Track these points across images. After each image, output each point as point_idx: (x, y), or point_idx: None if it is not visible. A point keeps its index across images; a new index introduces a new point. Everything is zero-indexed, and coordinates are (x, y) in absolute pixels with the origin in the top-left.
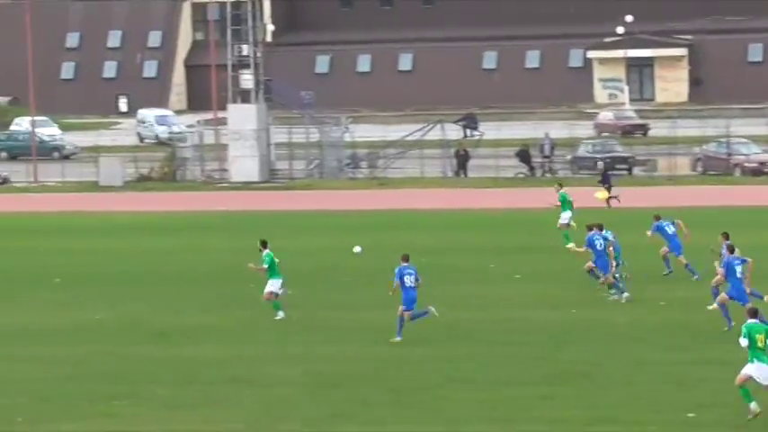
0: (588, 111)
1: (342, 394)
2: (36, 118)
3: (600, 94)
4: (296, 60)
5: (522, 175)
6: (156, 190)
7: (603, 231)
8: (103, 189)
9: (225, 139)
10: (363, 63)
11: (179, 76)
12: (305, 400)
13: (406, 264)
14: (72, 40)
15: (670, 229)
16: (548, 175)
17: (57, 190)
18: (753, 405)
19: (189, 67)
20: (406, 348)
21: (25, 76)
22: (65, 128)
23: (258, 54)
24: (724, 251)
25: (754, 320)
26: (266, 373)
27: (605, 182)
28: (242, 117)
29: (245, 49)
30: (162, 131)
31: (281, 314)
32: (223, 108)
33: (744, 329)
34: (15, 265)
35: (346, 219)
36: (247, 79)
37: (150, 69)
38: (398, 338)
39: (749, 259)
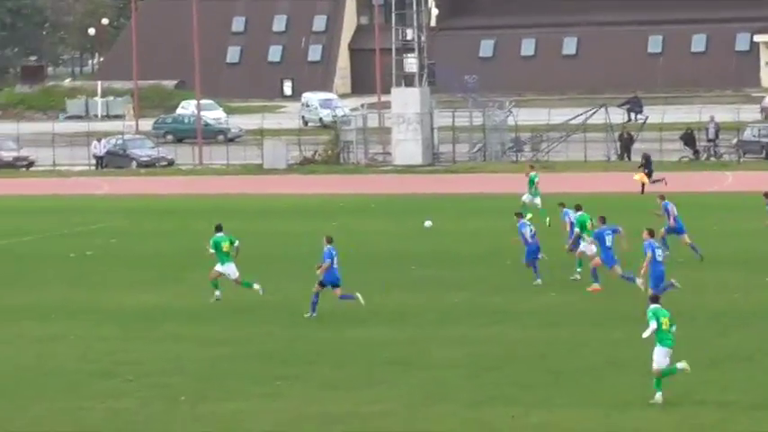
0: (754, 94)
1: (502, 377)
2: (202, 101)
3: (766, 78)
4: (460, 44)
5: (686, 159)
6: (319, 173)
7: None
8: (267, 172)
9: (388, 122)
10: (527, 47)
11: (343, 59)
12: (465, 382)
13: (330, 245)
14: (238, 24)
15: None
16: (712, 159)
17: (221, 173)
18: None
19: (353, 50)
20: (566, 331)
21: (191, 60)
22: (230, 111)
23: (422, 38)
24: None
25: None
26: (427, 355)
27: (647, 167)
28: (406, 100)
29: (410, 33)
30: (326, 115)
31: (217, 293)
32: (387, 92)
33: (650, 313)
34: (181, 246)
35: (509, 202)
36: (411, 63)
37: (315, 53)
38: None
39: None
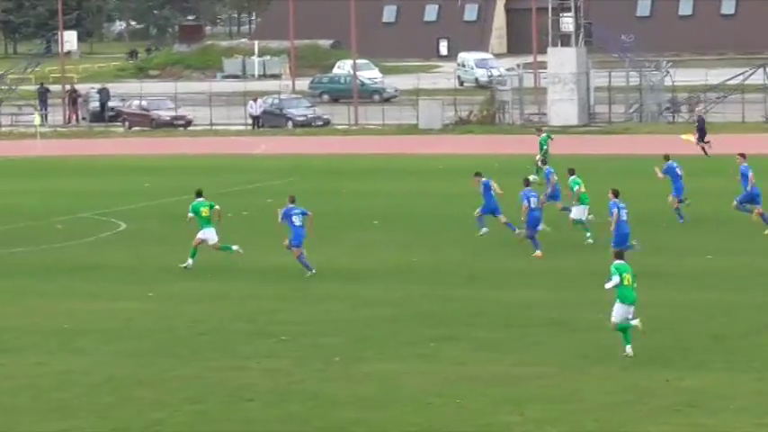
0: None
1: (662, 339)
2: (357, 61)
3: None
4: (617, 4)
5: None
6: (474, 133)
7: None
8: (423, 132)
9: (544, 82)
10: (685, 6)
11: (499, 19)
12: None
13: (292, 205)
14: None
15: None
16: None
17: (376, 133)
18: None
19: (509, 10)
20: (728, 294)
21: (348, 20)
22: (385, 71)
23: None
24: None
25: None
26: (582, 318)
27: (700, 128)
28: (562, 60)
29: None
30: (481, 75)
31: (189, 262)
32: (543, 51)
33: (613, 268)
34: (336, 206)
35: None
36: (568, 23)
37: (471, 13)
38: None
39: None
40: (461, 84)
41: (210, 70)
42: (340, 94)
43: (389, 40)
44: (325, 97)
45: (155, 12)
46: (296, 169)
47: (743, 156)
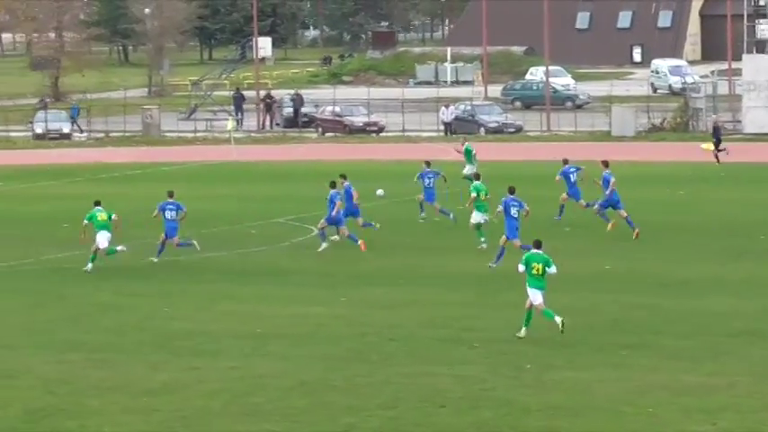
0: None
1: None
2: (550, 68)
3: None
4: None
5: None
6: (667, 140)
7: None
8: (615, 139)
9: (739, 89)
10: None
11: (694, 25)
12: None
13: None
14: None
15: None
16: None
17: (568, 139)
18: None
19: (704, 16)
20: None
21: (541, 26)
22: (578, 77)
23: None
24: None
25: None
26: None
27: (715, 136)
28: (757, 67)
29: None
30: (675, 82)
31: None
32: (738, 58)
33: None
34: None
35: None
36: (764, 29)
37: (665, 19)
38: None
39: None
40: (655, 91)
41: (403, 77)
42: (532, 100)
43: (582, 47)
44: (518, 104)
45: (348, 18)
46: (486, 177)
47: (605, 163)
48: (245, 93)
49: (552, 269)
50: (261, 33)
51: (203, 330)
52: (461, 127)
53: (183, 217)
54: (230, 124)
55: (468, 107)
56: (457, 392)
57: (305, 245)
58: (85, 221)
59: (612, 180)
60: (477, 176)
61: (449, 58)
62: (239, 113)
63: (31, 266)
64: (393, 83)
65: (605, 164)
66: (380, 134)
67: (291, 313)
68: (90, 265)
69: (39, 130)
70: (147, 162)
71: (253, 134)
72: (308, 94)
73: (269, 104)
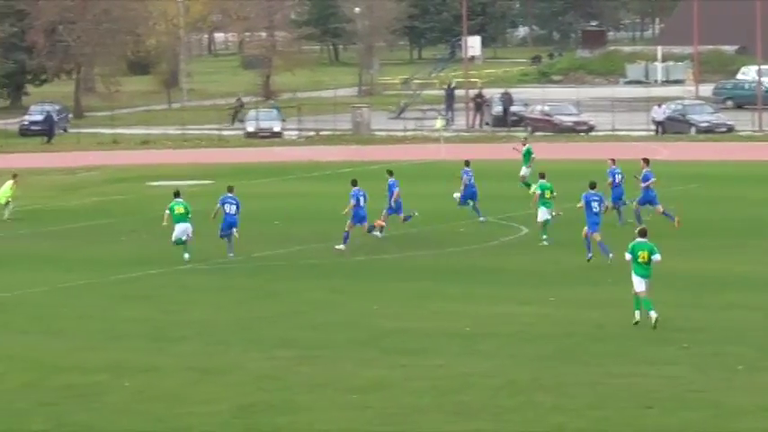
0: None
1: None
2: (762, 67)
3: None
4: None
5: None
6: None
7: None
8: None
9: None
10: None
11: None
12: None
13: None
14: None
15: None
16: None
17: None
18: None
19: None
20: None
21: (753, 25)
22: None
23: None
24: None
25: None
26: None
27: None
28: None
29: None
30: None
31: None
32: None
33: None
34: (740, 214)
35: None
36: None
37: None
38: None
39: None
40: None
41: (613, 76)
42: (744, 100)
43: None
44: (729, 103)
45: (558, 17)
46: (698, 176)
47: (646, 161)
48: (456, 92)
49: (657, 257)
50: (470, 32)
51: (412, 328)
52: (672, 126)
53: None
54: (439, 123)
55: (680, 107)
56: (665, 393)
57: (514, 243)
58: (167, 212)
59: (652, 179)
60: (542, 175)
61: (659, 57)
62: (449, 112)
63: (243, 264)
64: (603, 82)
65: (646, 161)
66: (590, 133)
67: (500, 312)
68: (186, 256)
69: (250, 129)
70: (356, 160)
71: (462, 133)
72: (517, 93)
73: (479, 104)
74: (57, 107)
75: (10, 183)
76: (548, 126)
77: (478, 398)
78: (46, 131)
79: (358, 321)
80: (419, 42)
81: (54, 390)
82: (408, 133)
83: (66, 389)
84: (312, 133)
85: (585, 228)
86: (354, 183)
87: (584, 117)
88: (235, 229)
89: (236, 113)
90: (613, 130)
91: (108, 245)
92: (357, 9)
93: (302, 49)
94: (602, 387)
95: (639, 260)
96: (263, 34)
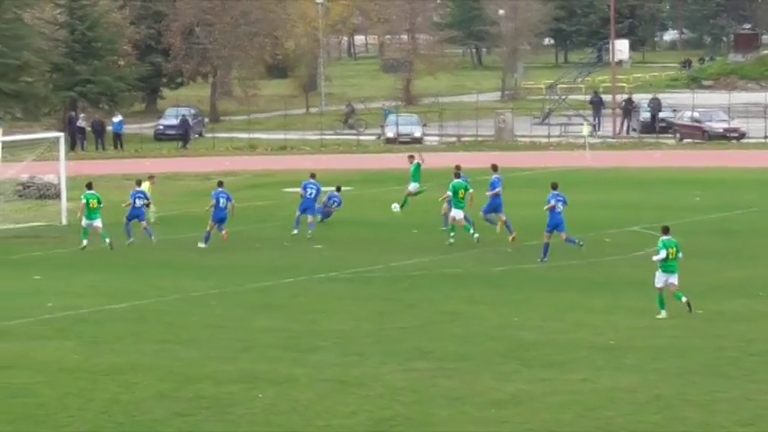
0: None
1: None
2: None
3: None
4: None
5: None
6: None
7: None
8: None
9: None
10: None
11: None
12: None
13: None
14: None
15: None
16: None
17: None
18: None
19: None
20: None
21: None
22: None
23: None
24: None
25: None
26: None
27: None
28: None
29: None
30: None
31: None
32: None
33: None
34: None
35: None
36: None
37: None
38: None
39: None
40: None
41: (766, 81)
42: None
43: None
44: None
45: (709, 20)
46: None
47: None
48: (603, 97)
49: (680, 254)
50: (618, 35)
51: (553, 341)
52: None
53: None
54: (585, 129)
55: None
56: None
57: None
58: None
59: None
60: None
61: None
62: (596, 118)
63: (380, 273)
64: (756, 87)
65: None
66: (741, 141)
67: (645, 325)
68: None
69: (390, 134)
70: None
71: (608, 140)
72: (666, 98)
73: (628, 110)
74: (192, 111)
75: (147, 184)
76: (697, 133)
77: (622, 413)
78: (181, 136)
79: (498, 333)
80: (565, 45)
81: (187, 400)
82: (553, 140)
83: (199, 399)
84: (453, 139)
85: None
86: (220, 183)
87: (736, 124)
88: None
89: (348, 119)
90: (766, 137)
91: (242, 252)
92: (501, 11)
93: (444, 52)
94: (752, 403)
95: (670, 256)
96: (405, 37)
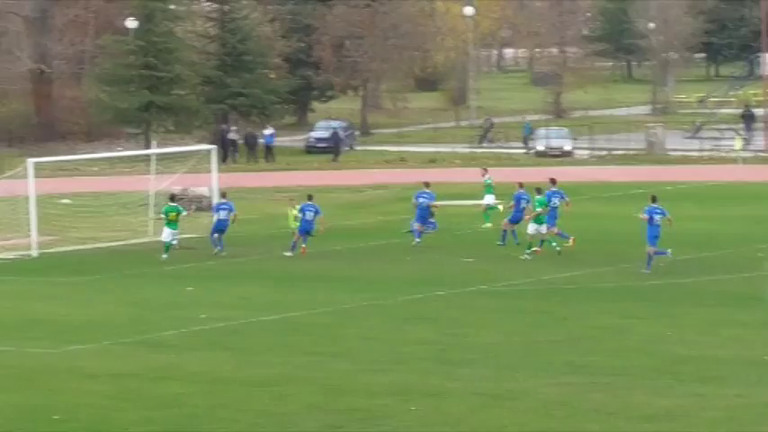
0: None
1: None
2: None
3: None
4: None
5: None
6: None
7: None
8: None
9: None
10: None
11: None
12: None
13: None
14: None
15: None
16: None
17: None
18: None
19: None
20: None
21: None
22: None
23: None
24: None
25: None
26: None
27: None
28: None
29: None
30: None
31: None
32: None
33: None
34: None
35: None
36: None
37: None
38: None
39: None
40: None
41: None
42: None
43: None
44: None
45: None
46: None
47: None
48: (755, 111)
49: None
50: None
51: (707, 356)
52: None
53: (234, 218)
54: (738, 143)
55: None
56: None
57: None
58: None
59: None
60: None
61: None
62: (748, 132)
63: (532, 286)
64: None
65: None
66: None
67: None
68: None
69: (540, 148)
70: (649, 181)
71: (760, 153)
72: None
73: None
74: (343, 124)
75: (294, 212)
76: None
77: None
78: (332, 149)
79: (651, 347)
80: (716, 59)
81: (339, 412)
82: (704, 153)
83: (351, 411)
84: (604, 153)
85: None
86: (309, 197)
87: None
88: (220, 248)
89: (486, 133)
90: None
91: (393, 265)
92: (651, 24)
93: (594, 65)
94: None
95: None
96: (554, 50)
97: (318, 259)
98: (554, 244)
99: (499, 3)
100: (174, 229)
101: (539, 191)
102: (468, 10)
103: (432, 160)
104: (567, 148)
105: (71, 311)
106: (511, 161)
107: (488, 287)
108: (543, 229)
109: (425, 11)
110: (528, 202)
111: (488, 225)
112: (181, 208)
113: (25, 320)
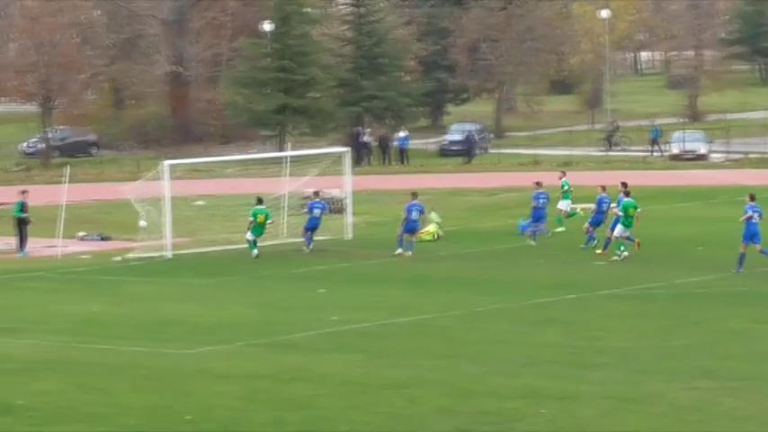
0: None
1: None
2: None
3: None
4: None
5: None
6: None
7: None
8: None
9: None
10: None
11: None
12: None
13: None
14: None
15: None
16: None
17: None
18: None
19: None
20: None
21: None
22: None
23: None
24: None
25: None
26: None
27: None
28: None
29: None
30: None
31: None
32: None
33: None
34: None
35: None
36: None
37: None
38: None
39: None
40: None
41: None
42: None
43: None
44: None
45: None
46: None
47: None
48: None
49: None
50: None
51: None
52: None
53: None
54: None
55: None
56: None
57: None
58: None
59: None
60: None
61: None
62: None
63: (664, 290)
64: None
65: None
66: None
67: None
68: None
69: (675, 151)
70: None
71: None
72: None
73: None
74: (477, 127)
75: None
76: None
77: None
78: (466, 151)
79: None
80: None
81: (469, 415)
82: None
83: (481, 414)
84: (740, 156)
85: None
86: (414, 195)
87: None
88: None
89: (611, 136)
90: None
91: (524, 268)
92: None
93: (731, 68)
94: None
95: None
96: (691, 53)
97: (450, 261)
98: (622, 248)
99: (635, 5)
100: (257, 235)
101: (627, 194)
102: (605, 12)
103: (566, 163)
104: (702, 151)
105: (203, 313)
106: (646, 164)
107: (620, 291)
108: (627, 232)
109: (561, 13)
110: (609, 205)
111: (562, 229)
112: (269, 212)
113: (159, 321)
